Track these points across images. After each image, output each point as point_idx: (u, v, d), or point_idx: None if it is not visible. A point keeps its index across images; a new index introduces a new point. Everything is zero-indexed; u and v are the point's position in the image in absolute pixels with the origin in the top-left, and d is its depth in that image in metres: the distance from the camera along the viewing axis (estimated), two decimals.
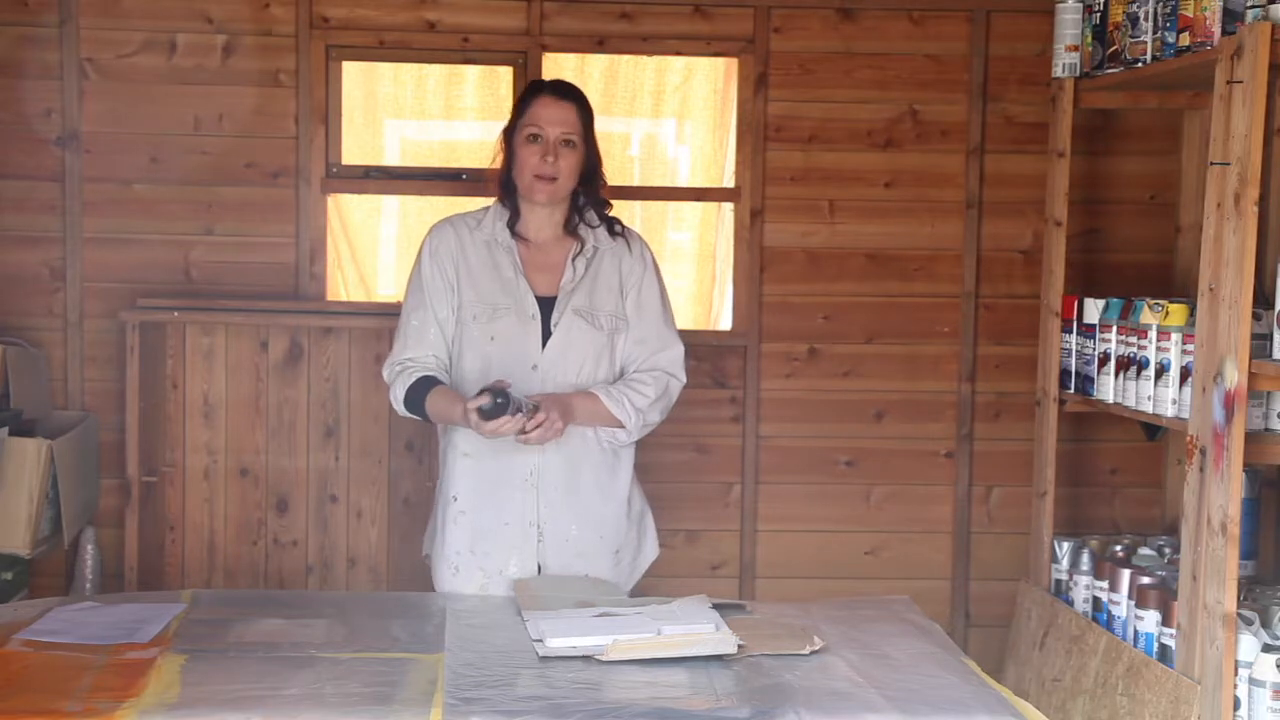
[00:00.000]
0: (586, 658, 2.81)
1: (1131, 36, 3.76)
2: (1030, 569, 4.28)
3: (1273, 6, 3.15)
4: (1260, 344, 3.24)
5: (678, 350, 3.50)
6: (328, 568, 4.69)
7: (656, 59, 4.84)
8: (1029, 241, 4.78)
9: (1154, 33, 3.67)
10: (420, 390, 3.38)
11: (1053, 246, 4.19)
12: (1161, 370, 3.58)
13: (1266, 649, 3.20)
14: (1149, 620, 3.56)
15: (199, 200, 4.68)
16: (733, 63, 4.80)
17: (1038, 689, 4.02)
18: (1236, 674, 3.22)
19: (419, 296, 3.44)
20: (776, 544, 4.83)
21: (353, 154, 4.79)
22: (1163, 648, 3.50)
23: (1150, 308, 3.65)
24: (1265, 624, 3.37)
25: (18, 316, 4.63)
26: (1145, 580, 3.64)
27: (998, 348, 4.84)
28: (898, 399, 4.84)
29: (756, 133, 4.76)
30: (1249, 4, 3.21)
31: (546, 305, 3.41)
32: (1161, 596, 3.54)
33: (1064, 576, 4.07)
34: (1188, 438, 3.37)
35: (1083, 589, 3.94)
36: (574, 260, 3.45)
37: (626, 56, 4.82)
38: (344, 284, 4.84)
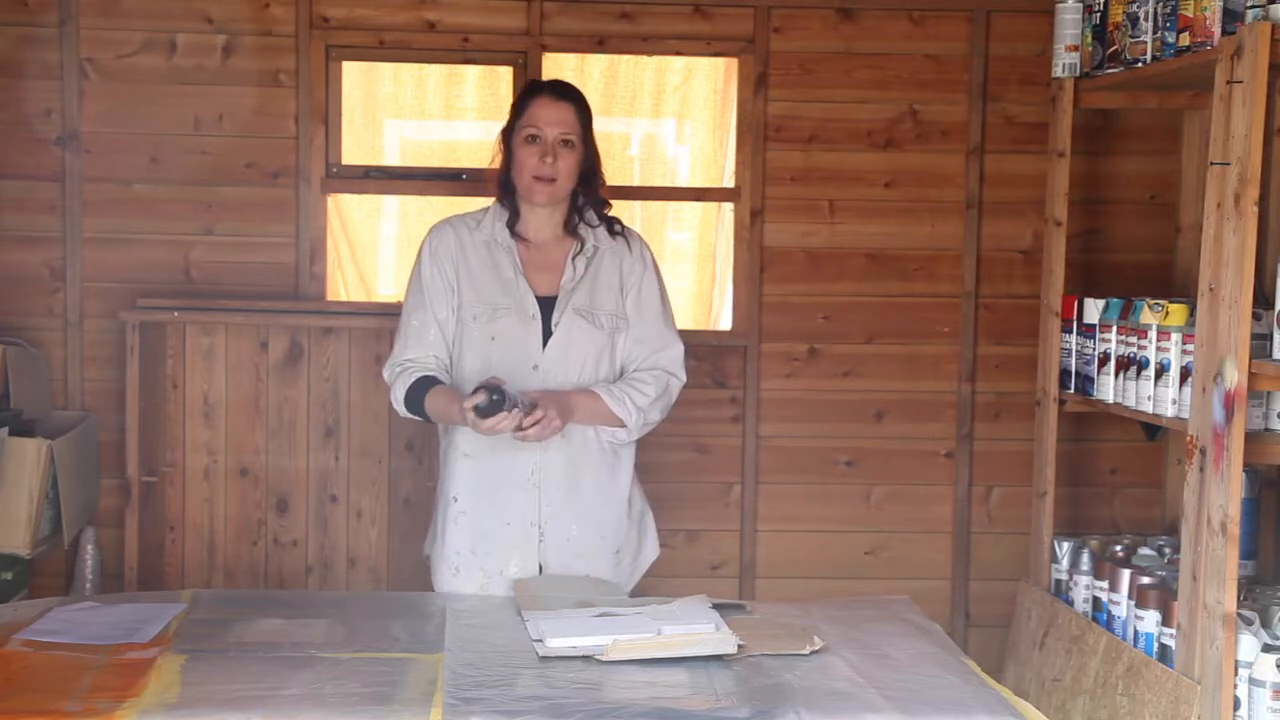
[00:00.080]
0: (586, 658, 2.81)
1: (1131, 36, 3.76)
2: (1030, 569, 4.28)
3: (1273, 6, 3.15)
4: (1260, 344, 3.24)
5: (678, 349, 3.50)
6: (328, 568, 4.69)
7: (656, 59, 4.84)
8: (1029, 241, 4.78)
9: (1154, 33, 3.67)
10: (420, 390, 3.38)
11: (1053, 246, 4.19)
12: (1161, 370, 3.58)
13: (1266, 649, 3.20)
14: (1149, 620, 3.56)
15: (199, 200, 4.68)
16: (733, 63, 4.80)
17: (1038, 689, 4.02)
18: (1236, 674, 3.22)
19: (419, 297, 3.44)
20: (776, 544, 4.83)
21: (353, 154, 4.79)
22: (1163, 648, 3.50)
23: (1150, 308, 3.65)
24: (1265, 624, 3.37)
25: (18, 316, 4.63)
26: (1145, 580, 3.64)
27: (998, 348, 4.84)
28: (898, 399, 4.84)
29: (756, 133, 4.76)
30: (1249, 4, 3.21)
31: (547, 305, 3.41)
32: (1161, 596, 3.54)
33: (1064, 576, 4.07)
34: (1188, 438, 3.37)
35: (1083, 589, 3.94)
36: (574, 260, 3.45)
37: (626, 56, 4.82)
38: (344, 284, 4.84)
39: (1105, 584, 3.79)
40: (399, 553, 4.67)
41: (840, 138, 4.79)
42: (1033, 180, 4.59)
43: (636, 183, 4.95)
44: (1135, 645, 3.60)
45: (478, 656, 2.83)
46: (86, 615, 3.05)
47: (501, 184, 3.47)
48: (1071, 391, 4.08)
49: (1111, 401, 3.84)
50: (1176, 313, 3.59)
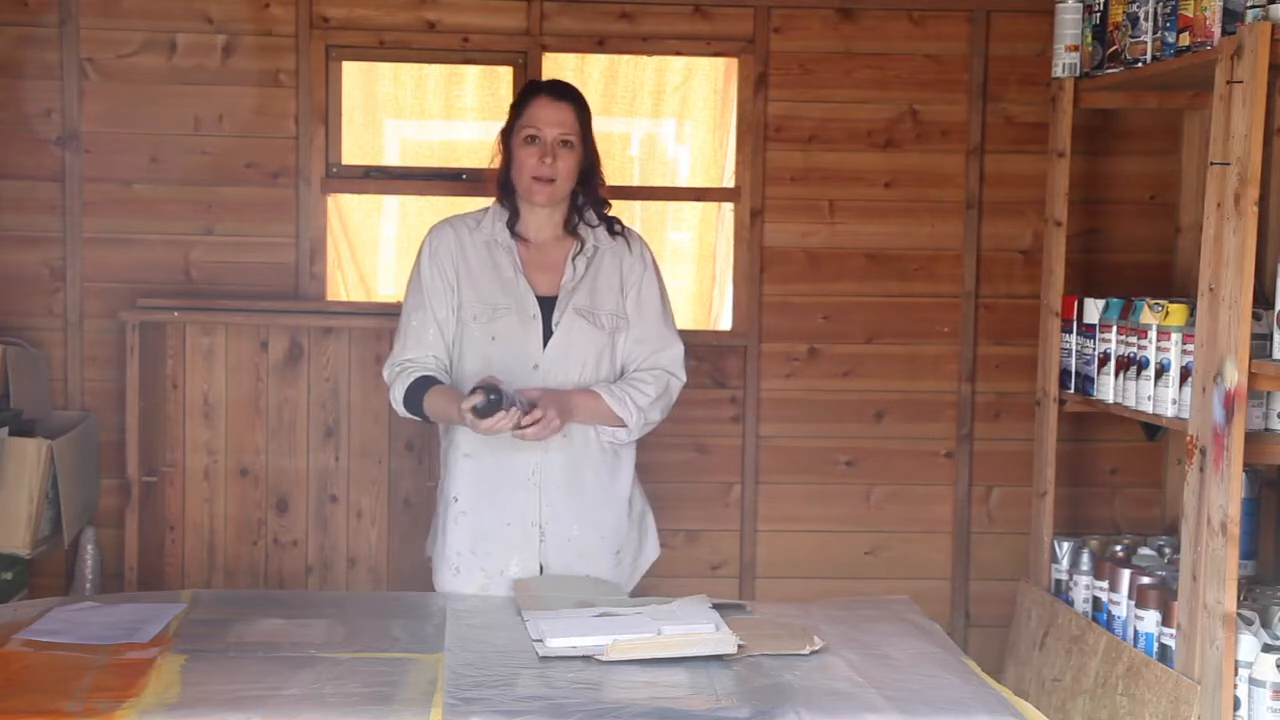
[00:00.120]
0: (586, 658, 2.81)
1: (1131, 36, 3.76)
2: (1030, 569, 4.28)
3: (1273, 6, 3.15)
4: (1260, 344, 3.24)
5: (678, 349, 3.50)
6: (328, 568, 4.69)
7: (656, 59, 4.84)
8: (1029, 241, 4.78)
9: (1154, 33, 3.67)
10: (419, 390, 3.38)
11: (1053, 246, 4.19)
12: (1161, 370, 3.58)
13: (1266, 649, 3.20)
14: (1149, 620, 3.56)
15: (199, 200, 4.68)
16: (733, 63, 4.80)
17: (1038, 689, 4.02)
18: (1236, 674, 3.22)
19: (418, 297, 3.44)
20: (776, 544, 4.83)
21: (353, 154, 4.79)
22: (1163, 648, 3.50)
23: (1150, 308, 3.65)
24: (1265, 624, 3.37)
25: (18, 316, 4.63)
26: (1145, 580, 3.64)
27: (998, 348, 4.84)
28: (898, 399, 4.84)
29: (756, 133, 4.76)
30: (1249, 4, 3.21)
31: (547, 305, 3.41)
32: (1161, 596, 3.54)
33: (1064, 576, 4.07)
34: (1188, 438, 3.37)
35: (1083, 589, 3.94)
36: (574, 260, 3.44)
37: (626, 56, 4.82)
38: (344, 284, 4.84)
39: (1105, 584, 3.79)
40: (399, 553, 4.67)
41: (840, 138, 4.79)
42: (1033, 180, 4.59)
43: (636, 183, 4.95)
44: (1135, 645, 3.60)
45: (478, 656, 2.83)
46: (86, 615, 3.05)
47: (501, 184, 3.47)
48: (1071, 391, 4.08)
49: (1111, 401, 3.84)
50: (1176, 313, 3.59)
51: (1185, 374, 3.49)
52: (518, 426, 3.19)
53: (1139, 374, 3.68)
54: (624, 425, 3.41)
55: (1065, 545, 4.09)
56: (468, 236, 3.46)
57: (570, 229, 3.47)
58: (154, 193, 4.68)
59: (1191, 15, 3.46)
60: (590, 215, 3.49)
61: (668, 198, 4.96)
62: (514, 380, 3.32)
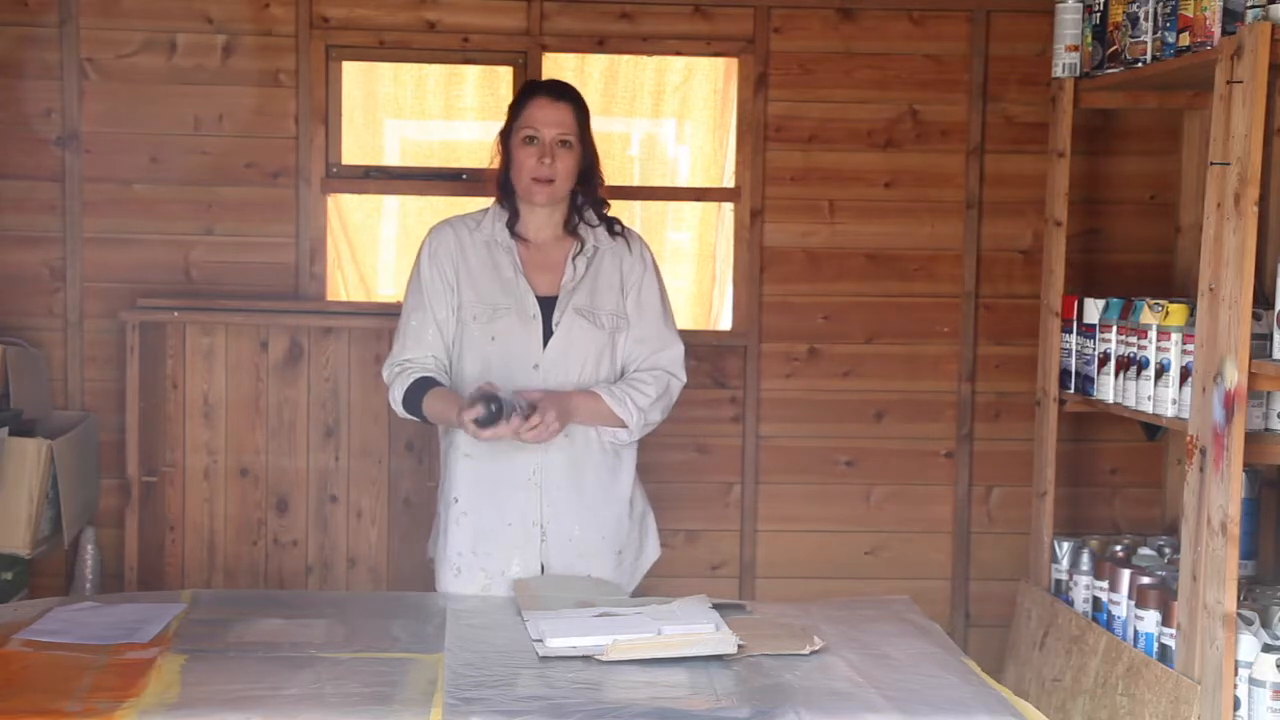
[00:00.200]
0: (586, 658, 2.81)
1: (1131, 36, 3.76)
2: (1030, 569, 4.28)
3: (1273, 6, 3.15)
4: (1260, 344, 3.24)
5: (678, 349, 3.50)
6: (328, 568, 4.69)
7: (656, 59, 4.84)
8: (1029, 241, 4.78)
9: (1154, 33, 3.67)
10: (418, 392, 3.38)
11: (1053, 246, 4.19)
12: (1161, 370, 3.58)
13: (1266, 649, 3.20)
14: (1149, 620, 3.56)
15: (199, 200, 4.68)
16: (733, 63, 4.80)
17: (1038, 689, 4.02)
18: (1236, 674, 3.22)
19: (418, 298, 3.44)
20: (776, 544, 4.83)
21: (353, 154, 4.79)
22: (1163, 648, 3.50)
23: (1150, 308, 3.65)
24: (1265, 624, 3.37)
25: (18, 316, 4.63)
26: (1145, 580, 3.64)
27: (998, 348, 4.84)
28: (898, 399, 4.84)
29: (756, 133, 4.76)
30: (1249, 4, 3.21)
31: (547, 305, 3.41)
32: (1161, 596, 3.54)
33: (1064, 576, 4.07)
34: (1188, 438, 3.37)
35: (1083, 589, 3.94)
36: (574, 260, 3.44)
37: (626, 56, 4.82)
38: (344, 284, 4.84)
39: (1105, 584, 3.79)
40: (399, 553, 4.67)
41: (840, 138, 4.79)
42: (1033, 180, 4.59)
43: (636, 183, 4.95)
44: (1135, 645, 3.60)
45: (478, 656, 2.83)
46: (86, 615, 3.05)
47: (500, 185, 3.47)
48: (1071, 391, 4.08)
49: (1111, 401, 3.84)
50: (1176, 313, 3.59)
51: (1185, 374, 3.49)
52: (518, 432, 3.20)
53: (1139, 374, 3.68)
54: (624, 426, 3.41)
55: (1065, 545, 4.09)
56: (468, 237, 3.46)
57: (570, 229, 3.47)
58: (154, 193, 4.68)
59: (1191, 15, 3.46)
60: (590, 215, 3.49)
61: (668, 198, 4.96)
62: (514, 380, 3.32)
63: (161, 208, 4.67)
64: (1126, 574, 3.70)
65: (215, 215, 4.69)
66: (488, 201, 3.53)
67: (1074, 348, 4.05)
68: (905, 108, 4.79)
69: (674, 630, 2.92)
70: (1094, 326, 3.92)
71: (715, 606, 3.10)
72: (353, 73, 4.79)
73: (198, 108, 4.66)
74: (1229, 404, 3.19)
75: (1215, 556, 3.24)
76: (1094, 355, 3.91)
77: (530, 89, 3.51)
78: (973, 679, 2.79)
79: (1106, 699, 3.65)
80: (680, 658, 2.81)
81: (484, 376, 3.37)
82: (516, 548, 3.41)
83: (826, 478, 4.85)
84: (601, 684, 2.68)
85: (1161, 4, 3.62)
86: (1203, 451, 3.30)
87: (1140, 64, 3.74)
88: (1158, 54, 3.66)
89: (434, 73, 4.87)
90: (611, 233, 3.50)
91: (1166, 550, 4.04)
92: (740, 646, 2.85)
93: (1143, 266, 4.77)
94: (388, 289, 4.93)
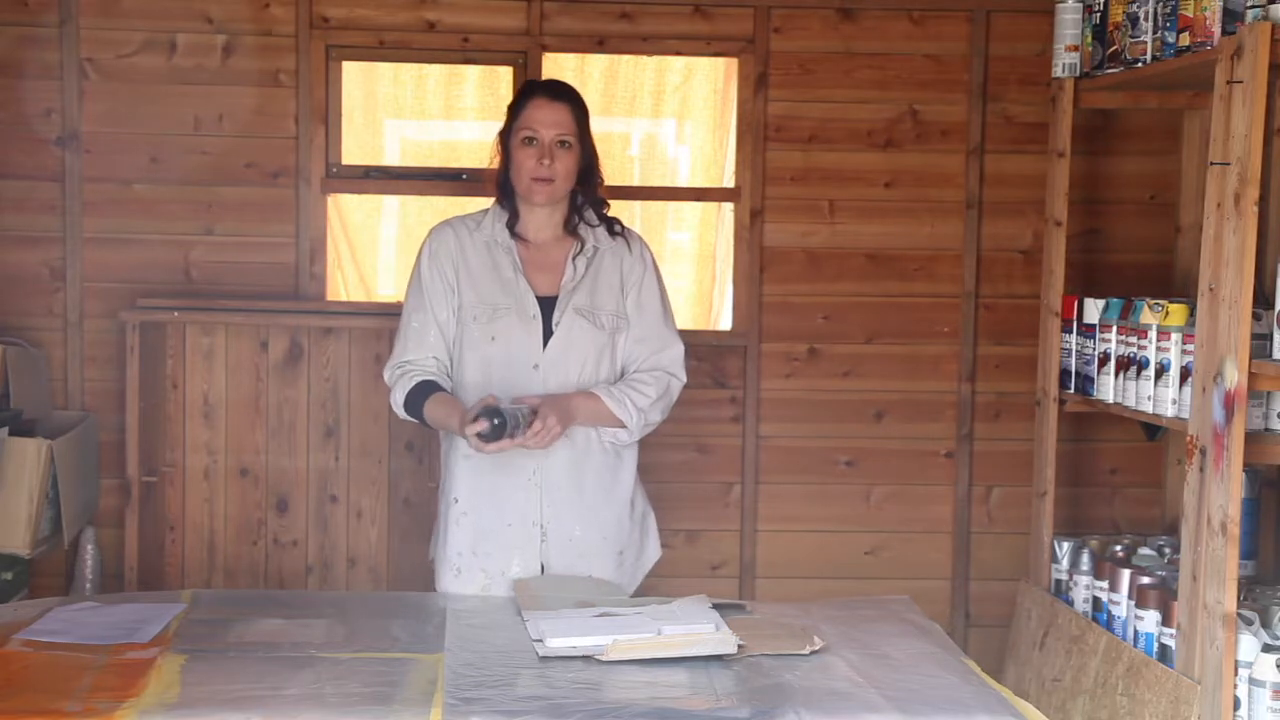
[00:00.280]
0: (586, 658, 2.81)
1: (1131, 36, 3.76)
2: (1030, 569, 4.28)
3: (1273, 6, 3.15)
4: (1260, 344, 3.24)
5: (678, 350, 3.50)
6: (328, 568, 4.69)
7: (656, 59, 4.84)
8: (1029, 241, 4.78)
9: (1154, 33, 3.67)
10: (420, 396, 3.37)
11: (1053, 246, 4.19)
12: (1161, 370, 3.58)
13: (1266, 649, 3.20)
14: (1149, 620, 3.56)
15: (199, 200, 4.68)
16: (733, 63, 4.80)
17: (1038, 689, 4.02)
18: (1236, 674, 3.22)
19: (419, 299, 3.44)
20: (776, 544, 4.83)
21: (353, 154, 4.79)
22: (1163, 648, 3.50)
23: (1150, 308, 3.65)
24: (1265, 624, 3.37)
25: (18, 316, 4.63)
26: (1145, 580, 3.64)
27: (998, 348, 4.84)
28: (898, 399, 4.84)
29: (756, 133, 4.76)
30: (1249, 4, 3.21)
31: (547, 305, 3.41)
32: (1161, 596, 3.54)
33: (1064, 576, 4.07)
34: (1188, 438, 3.37)
35: (1083, 589, 3.94)
36: (574, 260, 3.44)
37: (626, 56, 4.82)
38: (344, 284, 4.84)
39: (1105, 584, 3.79)
40: (399, 553, 4.67)
41: (840, 138, 4.79)
42: (1033, 180, 4.59)
43: (636, 183, 4.95)
44: (1135, 645, 3.60)
45: (478, 656, 2.83)
46: (86, 615, 3.05)
47: (500, 185, 3.47)
48: (1071, 391, 4.08)
49: (1111, 401, 3.84)
50: (1176, 313, 3.59)
51: (1185, 374, 3.49)
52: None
53: (1139, 374, 3.68)
54: (624, 427, 3.40)
55: (1065, 545, 4.09)
56: (468, 237, 3.46)
57: (570, 229, 3.47)
58: (154, 193, 4.68)
59: (1191, 15, 3.46)
60: (590, 215, 3.49)
61: (668, 198, 4.96)
62: (514, 381, 3.32)
63: (161, 208, 4.67)
64: (1126, 574, 3.70)
65: (215, 215, 4.69)
66: (488, 201, 3.53)
67: (1074, 348, 4.05)
68: (905, 108, 4.79)
69: (674, 630, 2.92)
70: (1094, 326, 3.92)
71: (715, 606, 3.11)
72: (353, 73, 4.79)
73: (198, 108, 4.66)
74: (1229, 404, 3.19)
75: (1215, 556, 3.24)
76: (1094, 355, 3.91)
77: (529, 89, 3.50)
78: (973, 679, 2.79)
79: (1106, 699, 3.65)
80: (680, 658, 2.81)
81: (484, 376, 3.37)
82: (516, 548, 3.40)
83: (826, 478, 4.85)
84: (601, 684, 2.68)
85: (1161, 4, 3.62)
86: (1203, 451, 3.30)
87: (1140, 64, 3.74)
88: (1158, 54, 3.66)
89: (434, 73, 4.87)
90: (611, 233, 3.50)
91: (1166, 550, 4.04)
92: (740, 646, 2.85)
93: (1143, 266, 4.77)
94: (388, 289, 4.93)
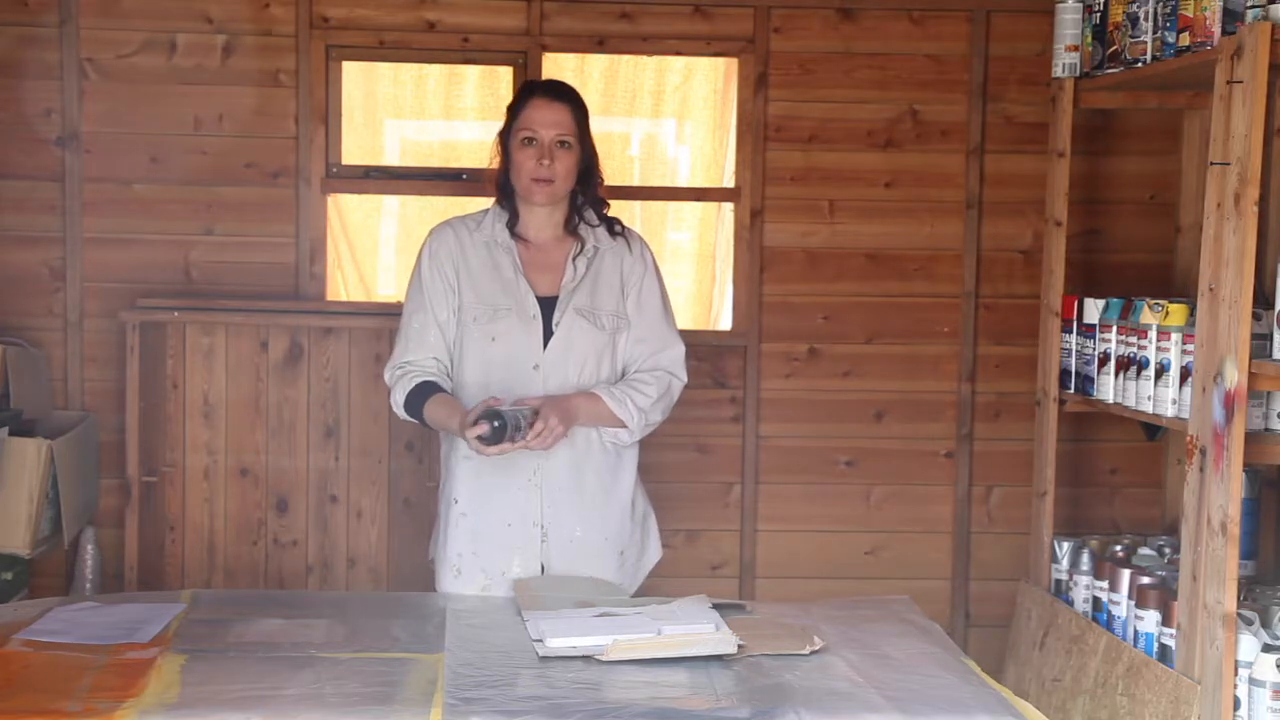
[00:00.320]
0: (586, 658, 2.81)
1: (1131, 36, 3.76)
2: (1030, 569, 4.28)
3: (1273, 6, 3.15)
4: (1260, 344, 3.24)
5: (679, 350, 3.50)
6: (328, 568, 4.69)
7: (656, 59, 4.84)
8: (1029, 241, 4.78)
9: (1154, 33, 3.67)
10: (420, 397, 3.37)
11: (1053, 246, 4.19)
12: (1161, 370, 3.58)
13: (1266, 649, 3.20)
14: (1149, 620, 3.56)
15: (199, 200, 4.68)
16: (733, 63, 4.80)
17: (1038, 689, 4.02)
18: (1236, 674, 3.22)
19: (419, 299, 3.44)
20: (776, 544, 4.83)
21: (353, 154, 4.79)
22: (1163, 648, 3.50)
23: (1150, 308, 3.65)
24: (1265, 624, 3.37)
25: (18, 316, 4.63)
26: (1145, 580, 3.64)
27: (998, 348, 4.84)
28: (898, 399, 4.84)
29: (756, 133, 4.76)
30: (1249, 4, 3.21)
31: (548, 305, 3.41)
32: (1161, 596, 3.54)
33: (1064, 576, 4.07)
34: (1188, 438, 3.37)
35: (1083, 589, 3.94)
36: (574, 260, 3.44)
37: (626, 56, 4.82)
38: (344, 284, 4.84)
39: (1105, 584, 3.79)
40: (399, 553, 4.67)
41: (840, 138, 4.79)
42: (1033, 180, 4.59)
43: (636, 183, 4.95)
44: (1135, 645, 3.60)
45: (478, 656, 2.83)
46: (86, 615, 3.05)
47: (500, 186, 3.47)
48: (1071, 391, 4.08)
49: (1111, 401, 3.84)
50: (1176, 313, 3.59)
51: (1185, 374, 3.49)
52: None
53: (1139, 374, 3.68)
54: (625, 427, 3.40)
55: (1065, 545, 4.09)
56: (468, 237, 3.46)
57: (570, 229, 3.47)
58: (154, 193, 4.68)
59: (1191, 15, 3.46)
60: (590, 215, 3.49)
61: (668, 198, 4.96)
62: (514, 381, 3.32)
63: (161, 208, 4.68)
64: (1126, 574, 3.70)
65: (215, 215, 4.69)
66: (488, 202, 3.53)
67: (1074, 348, 4.05)
68: (905, 108, 4.79)
69: (674, 630, 2.92)
70: (1094, 326, 3.92)
71: (715, 606, 3.10)
72: (353, 73, 4.79)
73: (198, 108, 4.66)
74: (1229, 404, 3.19)
75: (1215, 556, 3.24)
76: (1094, 355, 3.91)
77: (528, 89, 3.50)
78: (973, 679, 2.79)
79: (1106, 699, 3.65)
80: (680, 658, 2.81)
81: (484, 377, 3.37)
82: (516, 549, 3.40)
83: (826, 478, 4.85)
84: (601, 684, 2.68)
85: (1161, 4, 3.62)
86: (1203, 451, 3.30)
87: (1140, 64, 3.74)
88: (1158, 54, 3.66)
89: (434, 73, 4.87)
90: (612, 233, 3.50)
91: (1166, 550, 4.04)
92: (740, 646, 2.85)
93: (1143, 266, 4.77)
94: (388, 289, 4.93)
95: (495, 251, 3.44)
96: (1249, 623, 3.31)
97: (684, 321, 4.16)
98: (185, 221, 4.68)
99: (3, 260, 4.65)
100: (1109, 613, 3.76)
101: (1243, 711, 3.22)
